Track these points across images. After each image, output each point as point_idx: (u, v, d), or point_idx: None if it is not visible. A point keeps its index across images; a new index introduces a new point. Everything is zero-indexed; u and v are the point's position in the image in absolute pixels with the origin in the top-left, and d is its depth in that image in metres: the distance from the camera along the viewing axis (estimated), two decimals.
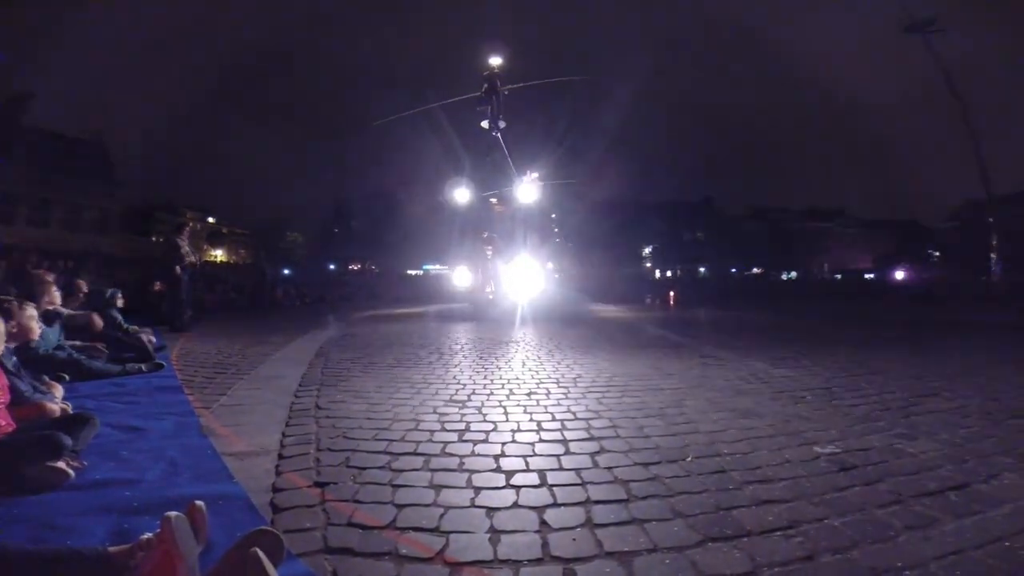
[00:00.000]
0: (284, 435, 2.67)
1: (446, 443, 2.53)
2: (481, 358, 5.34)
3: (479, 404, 3.32)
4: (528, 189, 12.32)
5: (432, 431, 2.73)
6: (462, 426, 2.83)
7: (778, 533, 1.62)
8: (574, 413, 3.08)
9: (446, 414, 3.07)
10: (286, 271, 36.32)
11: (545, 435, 2.66)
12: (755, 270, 57.49)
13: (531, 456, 2.36)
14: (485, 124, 11.72)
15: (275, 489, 2.01)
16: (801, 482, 2.01)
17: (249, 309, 13.50)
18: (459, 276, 12.93)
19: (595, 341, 6.74)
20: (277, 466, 2.25)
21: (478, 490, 1.99)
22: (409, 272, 55.18)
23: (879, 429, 2.71)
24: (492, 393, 3.66)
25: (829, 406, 3.24)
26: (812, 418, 2.94)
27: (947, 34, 20.00)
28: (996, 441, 2.49)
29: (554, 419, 2.95)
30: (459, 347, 6.27)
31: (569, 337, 7.21)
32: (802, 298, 21.71)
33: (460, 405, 3.29)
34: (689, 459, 2.28)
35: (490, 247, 12.97)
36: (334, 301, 16.70)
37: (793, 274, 55.76)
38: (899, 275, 39.59)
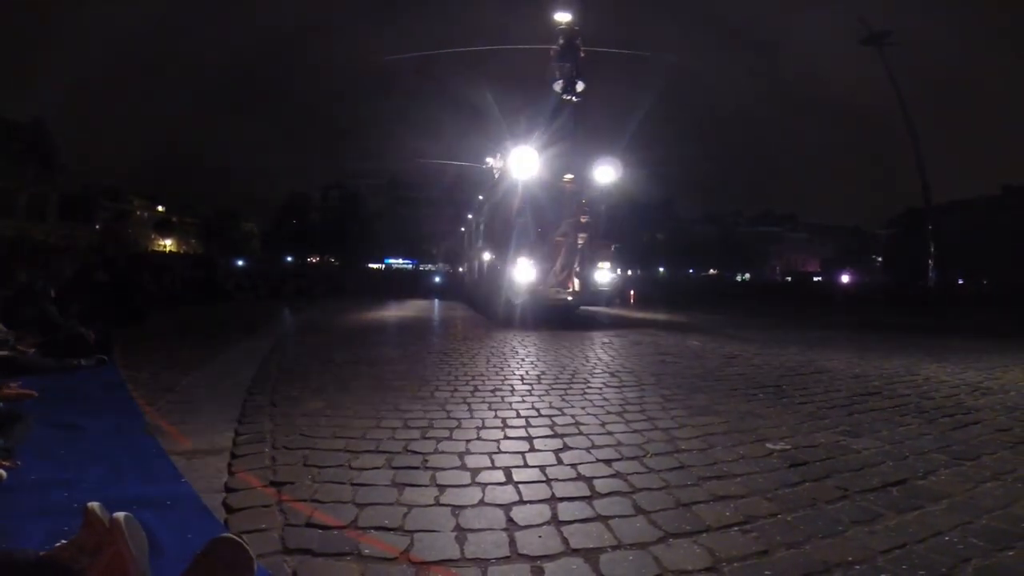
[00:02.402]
0: (237, 433, 2.57)
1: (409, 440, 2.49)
2: None
3: None
4: (607, 170, 9.62)
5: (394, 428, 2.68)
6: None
7: (735, 528, 1.67)
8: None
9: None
10: (239, 262, 35.02)
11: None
12: (710, 271, 59.41)
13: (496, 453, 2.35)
14: (558, 87, 9.60)
15: (228, 489, 1.94)
16: (755, 478, 2.08)
17: (198, 301, 12.91)
18: (521, 271, 8.92)
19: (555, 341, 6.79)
20: (230, 465, 2.16)
21: (443, 488, 1.97)
22: (371, 266, 54.26)
23: (826, 427, 2.84)
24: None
25: (779, 404, 3.37)
26: (764, 415, 3.06)
27: (901, 47, 21.07)
28: (931, 438, 2.65)
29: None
30: None
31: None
32: (754, 299, 22.54)
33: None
34: (648, 456, 2.33)
35: (578, 234, 9.35)
36: (290, 296, 16.17)
37: (747, 276, 57.92)
38: (844, 278, 41.70)
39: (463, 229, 18.21)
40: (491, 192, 11.38)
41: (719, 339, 6.98)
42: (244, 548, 1.30)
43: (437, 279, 23.94)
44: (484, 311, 10.81)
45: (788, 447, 2.47)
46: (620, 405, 3.26)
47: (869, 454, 2.39)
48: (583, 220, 9.33)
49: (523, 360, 5.01)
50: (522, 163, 9.20)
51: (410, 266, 61.21)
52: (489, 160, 15.85)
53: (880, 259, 53.34)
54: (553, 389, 3.72)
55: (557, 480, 2.04)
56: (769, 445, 2.49)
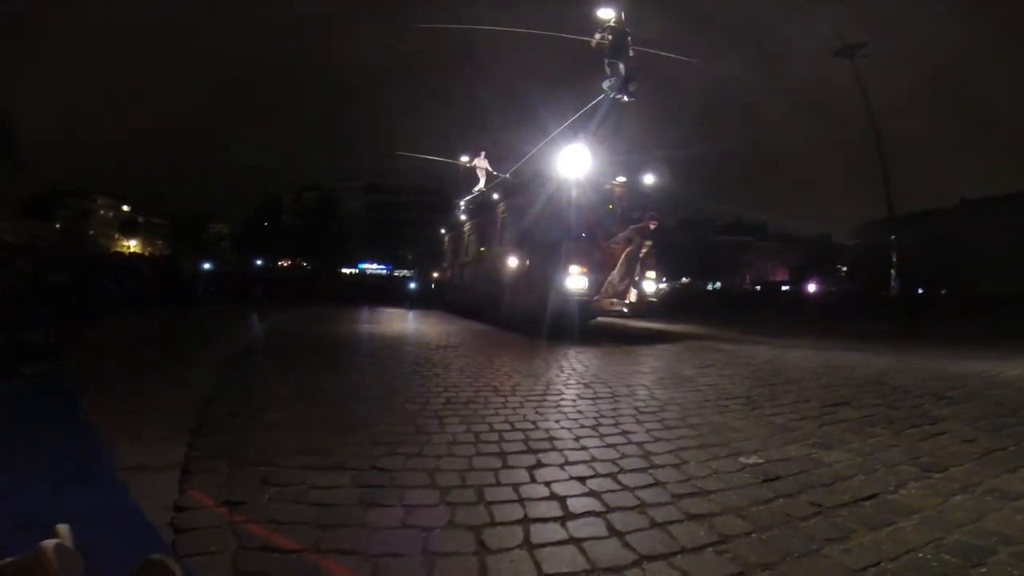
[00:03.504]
0: (191, 447, 2.42)
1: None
2: None
3: None
4: (650, 175, 9.27)
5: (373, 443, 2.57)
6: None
7: (710, 549, 1.63)
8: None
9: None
10: (206, 265, 34.00)
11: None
12: (683, 279, 60.29)
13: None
14: (606, 85, 8.97)
15: (177, 508, 1.81)
16: (729, 495, 2.05)
17: (162, 305, 12.45)
18: (573, 279, 8.09)
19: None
20: (181, 481, 2.03)
21: (411, 508, 1.88)
22: (344, 271, 53.45)
23: (797, 439, 2.84)
24: None
25: (751, 415, 3.38)
26: (736, 427, 3.05)
27: (873, 59, 21.73)
28: (900, 450, 2.66)
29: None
30: None
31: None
32: (725, 307, 22.95)
33: None
34: (621, 472, 2.28)
35: (644, 241, 8.57)
36: (258, 300, 15.75)
37: (718, 284, 58.97)
38: (811, 288, 42.82)
39: (444, 232, 17.34)
40: (516, 192, 10.49)
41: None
42: (172, 570, 1.20)
43: (412, 285, 23.71)
44: (492, 320, 10.17)
45: (761, 461, 2.46)
46: (595, 419, 3.20)
47: (840, 467, 2.39)
48: (652, 226, 8.59)
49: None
50: (573, 162, 8.58)
51: (385, 271, 60.54)
52: (465, 159, 15.49)
53: (845, 268, 54.97)
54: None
55: (530, 499, 1.98)
56: (742, 459, 2.47)
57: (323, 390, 3.75)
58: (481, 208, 13.16)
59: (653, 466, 2.36)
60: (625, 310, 8.57)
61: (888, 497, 2.05)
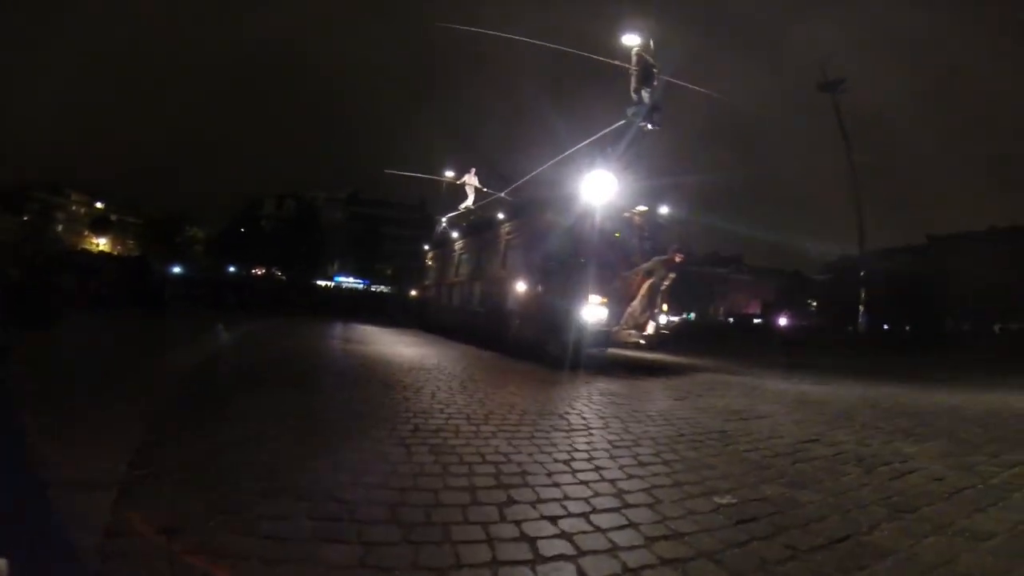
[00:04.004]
0: (132, 465, 2.25)
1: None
2: None
3: None
4: (664, 205, 9.37)
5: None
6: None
7: None
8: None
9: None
10: (176, 268, 33.14)
11: None
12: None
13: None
14: (631, 112, 8.64)
15: (109, 532, 1.66)
16: (702, 537, 1.97)
17: (125, 307, 11.98)
18: (593, 309, 7.77)
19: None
20: (117, 502, 1.88)
21: (370, 546, 1.75)
22: (319, 283, 52.72)
23: (771, 477, 2.79)
24: None
25: (726, 451, 3.33)
26: (711, 464, 2.99)
27: (852, 93, 22.51)
28: (871, 489, 2.63)
29: None
30: None
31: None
32: (697, 339, 23.19)
33: None
34: (593, 511, 2.18)
35: (668, 273, 8.28)
36: (227, 308, 15.31)
37: (692, 315, 59.76)
38: (782, 321, 43.76)
39: (427, 249, 16.77)
40: (526, 213, 10.13)
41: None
42: None
43: (391, 302, 23.42)
44: (489, 345, 9.79)
45: (735, 500, 2.39)
46: (568, 453, 3.11)
47: (814, 507, 2.34)
48: (677, 259, 8.24)
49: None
50: (597, 187, 8.28)
51: (362, 286, 59.88)
52: (451, 175, 15.35)
53: (815, 303, 56.36)
54: None
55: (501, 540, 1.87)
56: (716, 499, 2.40)
57: (285, 410, 3.58)
58: (478, 227, 12.84)
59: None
60: (642, 342, 8.29)
61: (862, 539, 2.00)
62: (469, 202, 14.61)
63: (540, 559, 1.74)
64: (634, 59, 8.53)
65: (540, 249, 8.75)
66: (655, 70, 8.59)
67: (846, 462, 3.18)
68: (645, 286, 8.15)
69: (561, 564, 1.72)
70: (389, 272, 60.24)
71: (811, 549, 1.89)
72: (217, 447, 2.63)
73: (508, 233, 10.44)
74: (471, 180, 14.60)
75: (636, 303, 8.20)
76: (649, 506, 2.28)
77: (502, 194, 13.33)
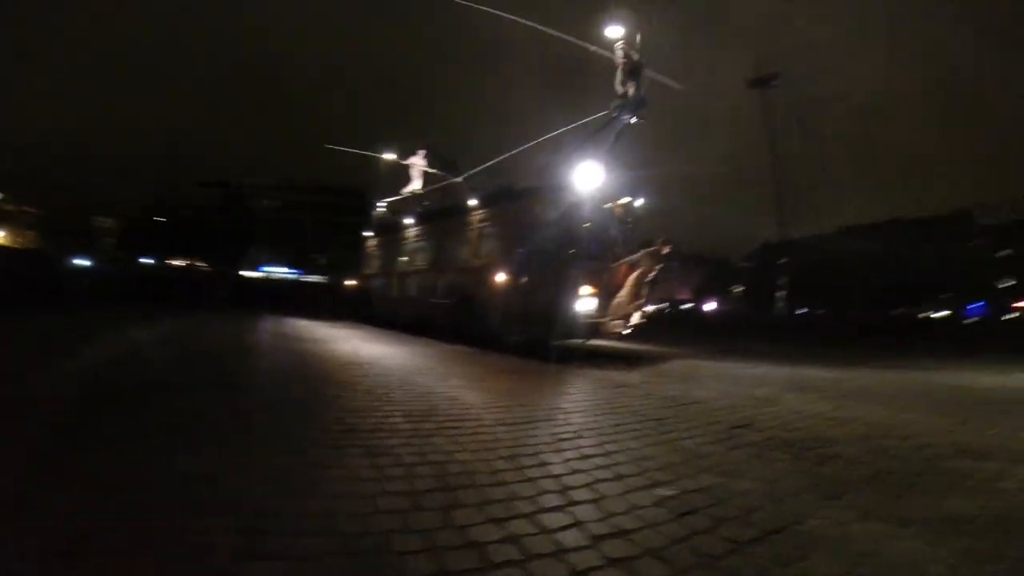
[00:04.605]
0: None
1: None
2: None
3: None
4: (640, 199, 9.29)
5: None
6: None
7: None
8: None
9: None
10: (84, 261, 30.23)
11: None
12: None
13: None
14: (615, 105, 8.65)
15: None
16: (647, 533, 1.98)
17: (17, 304, 10.78)
18: (583, 302, 7.97)
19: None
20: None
21: (300, 561, 1.61)
22: (244, 274, 49.93)
23: (709, 467, 2.85)
24: None
25: (664, 440, 3.40)
26: (650, 455, 3.03)
27: (783, 89, 23.66)
28: (801, 476, 2.75)
29: None
30: None
31: None
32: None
33: None
34: (540, 510, 2.14)
35: (656, 266, 8.24)
36: (142, 301, 14.13)
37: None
38: (710, 306, 46.21)
39: (370, 236, 15.48)
40: (507, 200, 9.76)
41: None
42: None
43: (327, 292, 22.46)
44: (459, 339, 9.54)
45: (676, 492, 2.43)
46: (511, 447, 3.07)
47: (751, 498, 2.40)
48: (665, 251, 8.23)
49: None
50: (585, 177, 8.36)
51: (294, 276, 57.41)
52: (393, 156, 14.37)
53: (741, 289, 59.80)
54: None
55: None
56: (658, 491, 2.43)
57: (201, 415, 3.30)
58: (441, 213, 12.13)
59: None
60: (625, 332, 8.47)
61: (796, 527, 2.08)
62: (416, 186, 13.77)
63: (489, 566, 1.67)
64: (619, 53, 8.54)
65: (526, 239, 8.58)
66: (641, 64, 8.60)
67: (775, 448, 3.32)
68: (632, 277, 8.26)
69: (509, 571, 1.65)
70: (324, 261, 58.06)
71: (750, 541, 1.93)
72: (117, 452, 2.36)
73: (484, 221, 10.11)
74: (418, 162, 13.68)
75: (623, 294, 8.29)
76: (594, 502, 2.26)
77: (459, 179, 12.72)
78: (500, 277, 8.95)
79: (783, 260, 22.82)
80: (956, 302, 47.36)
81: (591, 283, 8.14)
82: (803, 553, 1.85)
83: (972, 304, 45.27)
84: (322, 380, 4.91)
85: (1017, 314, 43.40)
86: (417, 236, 12.65)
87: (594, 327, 8.25)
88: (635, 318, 8.35)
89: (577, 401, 4.65)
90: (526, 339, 8.29)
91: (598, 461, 2.85)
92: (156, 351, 6.52)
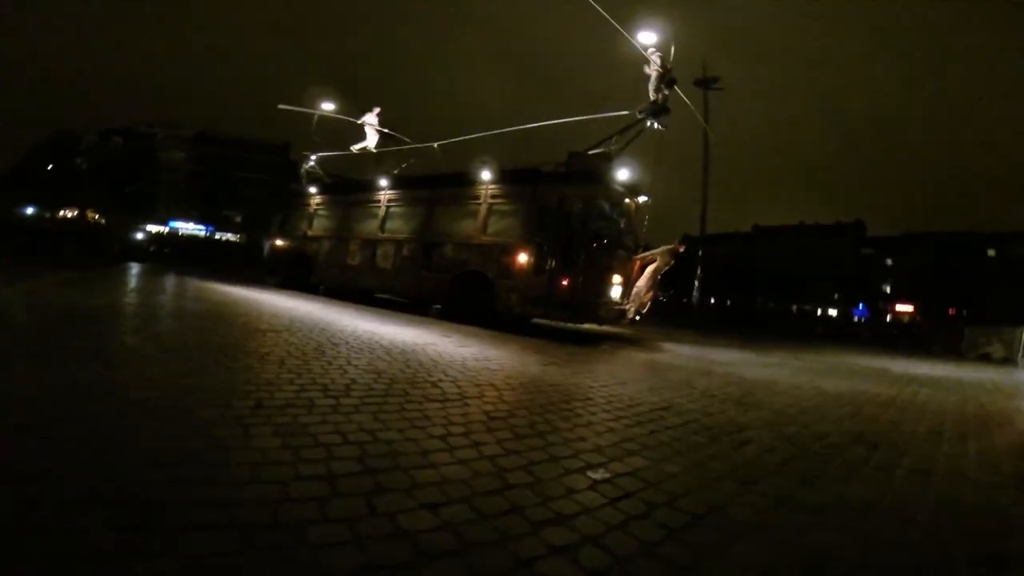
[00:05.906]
0: None
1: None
2: None
3: None
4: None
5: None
6: None
7: None
8: None
9: None
10: None
11: None
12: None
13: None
14: (641, 109, 9.27)
15: None
16: (584, 519, 1.92)
17: None
18: (614, 288, 8.83)
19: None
20: None
21: (195, 559, 1.39)
22: (150, 229, 45.65)
23: (637, 449, 2.87)
24: None
25: (594, 421, 3.39)
26: (585, 437, 3.01)
27: (725, 93, 24.83)
28: (718, 461, 2.82)
29: None
30: None
31: None
32: None
33: None
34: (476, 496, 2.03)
35: (669, 262, 9.15)
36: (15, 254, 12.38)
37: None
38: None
39: (308, 194, 14.17)
40: (523, 180, 9.64)
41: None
42: None
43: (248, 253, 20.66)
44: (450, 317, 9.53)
45: (609, 475, 2.41)
46: (444, 425, 2.91)
47: (677, 482, 2.42)
48: (680, 250, 9.17)
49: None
50: (619, 172, 9.10)
51: (205, 233, 53.22)
52: (366, 115, 13.44)
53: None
54: None
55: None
56: (591, 474, 2.40)
57: (81, 388, 2.85)
58: (435, 181, 11.35)
59: None
60: (638, 319, 9.40)
61: (723, 512, 2.12)
62: (370, 144, 13.35)
63: (424, 558, 1.53)
64: (657, 61, 9.07)
65: (557, 223, 8.69)
66: (671, 73, 9.21)
67: (696, 431, 3.42)
68: (649, 269, 9.08)
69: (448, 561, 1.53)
70: (239, 219, 54.22)
71: (683, 527, 1.94)
72: None
73: (498, 196, 9.87)
74: (371, 120, 13.36)
75: (642, 284, 9.09)
76: (530, 486, 2.18)
77: (435, 145, 12.54)
78: (522, 257, 8.99)
79: (699, 252, 24.13)
80: (846, 302, 52.98)
81: (621, 272, 8.84)
82: (731, 539, 1.88)
83: (855, 307, 50.73)
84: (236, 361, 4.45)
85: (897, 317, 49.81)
86: (395, 202, 11.79)
87: (621, 312, 8.89)
88: (646, 307, 9.34)
89: (509, 383, 4.55)
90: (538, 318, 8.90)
91: (532, 442, 2.77)
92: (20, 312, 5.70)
